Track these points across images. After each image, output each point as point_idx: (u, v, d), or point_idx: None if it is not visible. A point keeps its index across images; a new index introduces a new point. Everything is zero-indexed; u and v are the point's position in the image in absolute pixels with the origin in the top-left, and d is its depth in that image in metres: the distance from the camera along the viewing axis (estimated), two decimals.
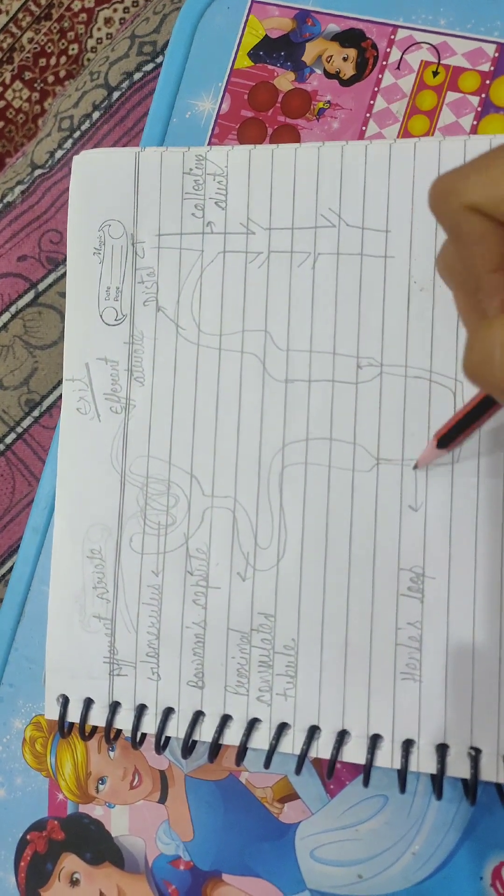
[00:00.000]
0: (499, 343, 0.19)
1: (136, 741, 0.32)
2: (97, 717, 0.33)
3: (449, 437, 0.27)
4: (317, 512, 0.31)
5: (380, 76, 0.33)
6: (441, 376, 0.30)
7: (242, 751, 0.31)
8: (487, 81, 0.32)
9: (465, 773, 0.28)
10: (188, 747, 0.32)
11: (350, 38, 0.34)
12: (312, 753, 0.30)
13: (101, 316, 0.34)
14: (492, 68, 0.32)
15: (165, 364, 0.33)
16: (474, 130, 0.32)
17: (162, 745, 0.32)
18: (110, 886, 0.34)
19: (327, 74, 0.34)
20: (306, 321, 0.31)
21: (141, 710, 0.32)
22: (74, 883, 0.34)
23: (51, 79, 1.01)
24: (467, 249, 0.21)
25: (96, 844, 0.34)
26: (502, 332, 0.19)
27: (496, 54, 0.32)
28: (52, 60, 1.00)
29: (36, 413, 0.40)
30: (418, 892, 0.30)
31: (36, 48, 1.01)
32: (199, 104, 0.36)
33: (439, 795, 0.29)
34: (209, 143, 0.35)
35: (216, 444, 0.32)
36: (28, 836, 0.35)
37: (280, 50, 0.35)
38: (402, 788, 0.29)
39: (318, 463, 0.31)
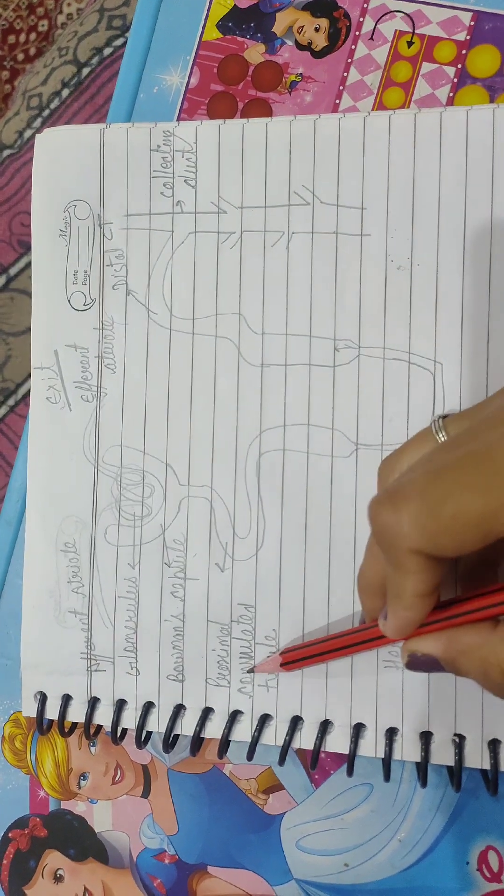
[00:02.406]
0: None
1: (117, 736, 0.32)
2: (76, 713, 0.32)
3: (295, 661, 0.29)
4: (295, 500, 0.30)
5: (353, 47, 0.32)
6: (420, 357, 0.29)
7: (225, 743, 0.30)
8: (464, 51, 0.31)
9: (450, 760, 0.28)
10: (169, 742, 0.31)
11: (322, 7, 0.33)
12: (295, 744, 0.30)
13: (68, 301, 0.33)
14: (468, 37, 0.31)
15: (137, 350, 0.32)
16: (451, 102, 0.31)
17: (143, 739, 0.31)
18: (95, 882, 0.33)
19: (299, 46, 0.33)
20: (281, 303, 0.30)
21: (120, 705, 0.32)
22: (58, 879, 0.34)
23: (21, 56, 0.98)
24: (405, 577, 0.22)
25: (80, 840, 0.34)
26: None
27: (472, 22, 0.31)
28: (22, 38, 0.98)
29: (11, 402, 0.39)
30: (405, 878, 0.30)
31: (4, 25, 0.98)
32: (167, 78, 0.34)
33: (424, 783, 0.28)
34: (178, 119, 0.34)
35: (191, 431, 0.31)
36: (10, 834, 0.34)
37: (249, 21, 0.33)
38: (387, 776, 0.29)
39: (296, 449, 0.30)
